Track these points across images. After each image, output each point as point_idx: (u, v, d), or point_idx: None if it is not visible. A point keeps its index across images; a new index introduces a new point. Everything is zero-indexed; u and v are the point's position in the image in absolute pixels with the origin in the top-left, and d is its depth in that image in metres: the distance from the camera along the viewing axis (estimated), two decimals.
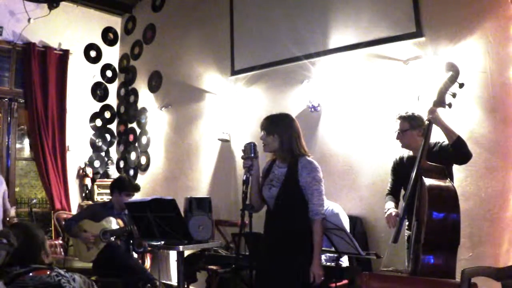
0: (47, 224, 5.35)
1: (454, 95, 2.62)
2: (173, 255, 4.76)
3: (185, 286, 4.13)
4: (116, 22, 6.35)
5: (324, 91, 3.99)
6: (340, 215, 3.34)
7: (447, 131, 2.64)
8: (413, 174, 2.58)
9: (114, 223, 3.82)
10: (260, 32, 4.61)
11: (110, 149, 6.15)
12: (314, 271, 2.38)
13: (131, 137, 5.98)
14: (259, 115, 4.14)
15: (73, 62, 5.77)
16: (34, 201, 5.38)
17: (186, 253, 3.89)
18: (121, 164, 6.05)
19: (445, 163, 2.63)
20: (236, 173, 4.65)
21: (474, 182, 3.15)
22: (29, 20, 5.33)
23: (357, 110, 3.81)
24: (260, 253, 2.60)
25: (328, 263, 3.04)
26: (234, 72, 4.81)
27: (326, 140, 3.99)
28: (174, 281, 5.07)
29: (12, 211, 4.33)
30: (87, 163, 5.80)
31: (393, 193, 2.94)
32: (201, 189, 5.01)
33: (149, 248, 3.88)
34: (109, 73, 6.21)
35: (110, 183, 4.27)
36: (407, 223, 2.78)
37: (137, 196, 4.08)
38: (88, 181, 5.66)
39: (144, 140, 5.80)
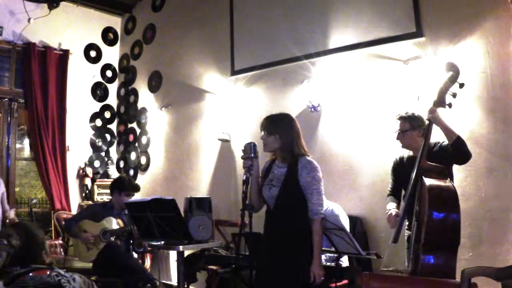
0: (47, 224, 5.35)
1: (454, 95, 2.62)
2: (173, 255, 4.76)
3: (185, 286, 4.12)
4: (116, 22, 6.35)
5: (324, 91, 3.99)
6: (340, 216, 3.34)
7: (447, 131, 2.65)
8: (413, 174, 2.58)
9: (114, 223, 3.82)
10: (260, 32, 4.61)
11: (110, 149, 6.15)
12: (314, 271, 2.38)
13: (131, 137, 5.98)
14: (259, 115, 4.14)
15: (73, 62, 5.76)
16: (34, 201, 5.38)
17: (186, 253, 3.89)
18: (121, 164, 6.05)
19: (445, 163, 2.63)
20: (236, 173, 4.65)
21: (474, 182, 3.15)
22: (29, 20, 5.33)
23: (357, 110, 3.81)
24: (260, 253, 2.60)
25: (328, 263, 3.04)
26: (234, 72, 4.81)
27: (326, 140, 3.99)
28: (174, 281, 5.07)
29: (12, 213, 4.32)
30: (87, 163, 5.80)
31: (394, 193, 2.94)
32: (201, 189, 5.01)
33: (149, 248, 3.88)
34: (109, 73, 6.21)
35: (110, 183, 4.27)
36: (407, 223, 2.78)
37: (137, 196, 4.08)
38: (88, 181, 5.66)
39: (144, 140, 5.80)
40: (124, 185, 3.89)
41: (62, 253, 4.84)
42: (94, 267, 3.75)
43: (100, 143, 6.04)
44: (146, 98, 5.85)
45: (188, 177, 5.22)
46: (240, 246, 2.93)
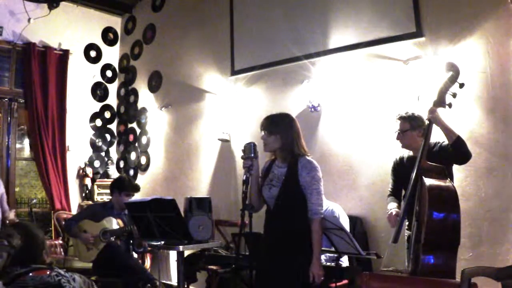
0: (47, 224, 5.35)
1: (454, 95, 2.62)
2: (173, 255, 4.76)
3: (185, 286, 4.12)
4: (116, 22, 6.35)
5: (324, 91, 3.99)
6: (340, 216, 3.34)
7: (447, 131, 2.64)
8: (413, 174, 2.58)
9: (114, 223, 3.82)
10: (260, 32, 4.61)
11: (110, 149, 6.15)
12: (313, 271, 2.38)
13: (131, 137, 5.98)
14: (259, 115, 4.14)
15: (73, 62, 5.76)
16: (34, 201, 5.39)
17: (186, 253, 3.89)
18: (121, 164, 6.05)
19: (445, 163, 2.63)
20: (236, 173, 4.65)
21: (474, 182, 3.15)
22: (29, 20, 5.33)
23: (357, 110, 3.81)
24: (260, 253, 2.60)
25: (328, 263, 3.04)
26: (234, 72, 4.81)
27: (326, 140, 3.99)
28: (174, 281, 5.07)
29: (12, 214, 4.32)
30: (87, 163, 5.80)
31: (395, 193, 2.94)
32: (201, 189, 5.01)
33: (149, 248, 3.88)
34: (109, 73, 6.21)
35: (110, 183, 4.27)
36: (407, 223, 2.78)
37: (137, 196, 4.08)
38: (88, 181, 5.66)
39: (144, 140, 5.80)
40: (124, 185, 3.89)
41: (62, 253, 4.84)
42: (94, 267, 3.75)
43: (100, 143, 6.04)
44: (146, 98, 5.85)
45: (188, 177, 5.22)
46: (240, 246, 2.93)
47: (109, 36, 6.26)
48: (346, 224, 3.34)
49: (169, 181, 5.45)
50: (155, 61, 5.81)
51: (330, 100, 3.98)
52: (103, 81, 6.14)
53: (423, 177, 2.50)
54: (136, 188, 4.03)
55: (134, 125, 5.98)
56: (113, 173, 6.06)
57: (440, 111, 2.65)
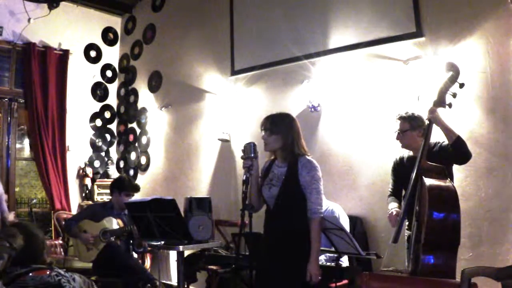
0: (47, 224, 5.35)
1: (454, 95, 2.62)
2: (173, 255, 4.76)
3: (185, 286, 4.12)
4: (116, 22, 6.35)
5: (324, 91, 3.99)
6: (340, 216, 3.34)
7: (447, 131, 2.64)
8: (413, 174, 2.58)
9: (114, 223, 3.82)
10: (260, 32, 4.61)
11: (110, 149, 6.15)
12: (310, 270, 2.37)
13: (131, 137, 5.98)
14: (259, 115, 4.14)
15: (73, 62, 5.76)
16: (34, 201, 5.39)
17: (186, 253, 3.89)
18: (121, 164, 6.05)
19: (445, 163, 2.63)
20: (236, 173, 4.65)
21: (474, 182, 3.15)
22: (29, 20, 5.33)
23: (357, 110, 3.81)
24: (260, 253, 2.60)
25: (328, 263, 3.04)
26: (234, 72, 4.81)
27: (326, 140, 3.99)
28: (174, 281, 5.07)
29: (11, 216, 4.32)
30: (87, 163, 5.79)
31: (395, 193, 2.94)
32: (201, 189, 5.01)
33: (149, 248, 3.88)
34: (109, 73, 6.21)
35: (110, 183, 4.27)
36: (407, 223, 2.78)
37: (137, 196, 4.08)
38: (88, 181, 5.65)
39: (144, 140, 5.80)
40: (124, 185, 3.89)
41: (62, 253, 4.84)
42: (94, 267, 3.75)
43: (100, 143, 6.03)
44: (146, 98, 5.85)
45: (188, 177, 5.22)
46: (240, 246, 2.93)
47: (109, 36, 6.26)
48: (346, 224, 3.34)
49: (169, 181, 5.45)
50: (155, 61, 5.81)
51: (330, 100, 3.98)
52: (103, 81, 6.14)
53: (423, 177, 2.50)
54: (136, 188, 4.03)
55: (134, 125, 5.98)
56: (113, 173, 6.06)
57: (440, 111, 2.65)
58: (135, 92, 6.01)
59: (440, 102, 2.62)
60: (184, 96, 5.34)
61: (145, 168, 5.75)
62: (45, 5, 5.34)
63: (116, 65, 6.30)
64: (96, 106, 6.07)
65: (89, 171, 5.68)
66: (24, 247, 1.92)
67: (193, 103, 5.22)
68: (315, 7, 4.17)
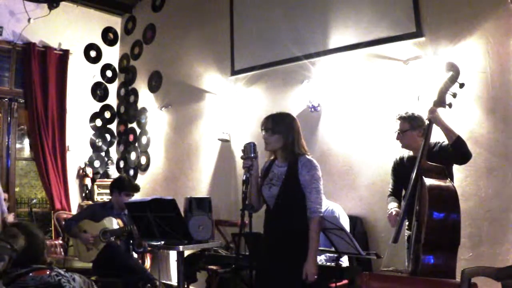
0: (47, 224, 5.35)
1: (454, 95, 2.62)
2: (173, 255, 4.76)
3: (185, 286, 4.12)
4: (116, 22, 6.35)
5: (324, 91, 3.99)
6: (340, 216, 3.34)
7: (447, 131, 2.64)
8: (413, 174, 2.58)
9: (115, 223, 3.82)
10: (260, 32, 4.61)
11: (110, 149, 6.15)
12: (307, 269, 2.36)
13: (131, 137, 5.98)
14: (259, 115, 4.14)
15: (73, 62, 5.76)
16: (34, 201, 5.39)
17: (186, 253, 3.88)
18: (121, 164, 6.05)
19: (445, 163, 2.62)
20: (236, 173, 4.65)
21: (474, 182, 3.15)
22: (29, 20, 5.33)
23: (357, 110, 3.81)
24: (260, 253, 2.60)
25: (328, 263, 3.04)
26: (234, 72, 4.81)
27: (326, 140, 3.99)
28: (174, 281, 5.07)
29: (11, 217, 4.32)
30: (87, 163, 5.79)
31: (395, 193, 2.94)
32: (201, 189, 5.01)
33: (149, 248, 3.88)
34: (109, 73, 6.21)
35: (110, 183, 4.27)
36: (407, 223, 2.78)
37: (137, 196, 4.08)
38: (88, 181, 5.65)
39: (144, 140, 5.80)
40: (124, 185, 3.89)
41: (62, 253, 4.84)
42: (94, 267, 3.75)
43: (100, 143, 6.03)
44: (146, 98, 5.85)
45: (188, 177, 5.22)
46: (240, 246, 2.93)
47: (109, 36, 6.26)
48: (346, 224, 3.33)
49: (169, 181, 5.45)
50: (155, 61, 5.81)
51: (330, 100, 3.98)
52: (103, 81, 6.14)
53: (423, 177, 2.50)
54: (136, 188, 4.03)
55: (134, 125, 5.98)
56: (113, 173, 6.06)
57: (440, 111, 2.64)
58: (135, 92, 6.01)
59: (440, 102, 2.62)
60: (184, 96, 5.34)
61: (145, 168, 5.75)
62: (45, 5, 5.34)
63: (116, 65, 6.30)
64: (96, 106, 6.07)
65: (89, 171, 5.68)
66: (26, 247, 1.92)
67: (193, 103, 5.22)
68: (315, 7, 4.17)
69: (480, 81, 3.16)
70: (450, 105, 2.62)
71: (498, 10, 3.13)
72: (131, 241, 3.79)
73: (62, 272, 1.95)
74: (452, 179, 2.64)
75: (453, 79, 2.59)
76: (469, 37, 3.23)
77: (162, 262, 5.09)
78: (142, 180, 5.68)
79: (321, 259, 3.17)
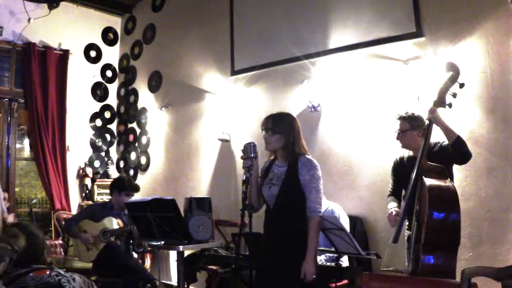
0: (47, 224, 5.35)
1: (454, 95, 2.62)
2: (173, 255, 4.76)
3: (185, 286, 4.12)
4: (116, 22, 6.35)
5: (324, 91, 3.99)
6: (340, 216, 3.34)
7: (447, 131, 2.64)
8: (413, 174, 2.58)
9: (115, 223, 3.82)
10: (260, 32, 4.61)
11: (110, 149, 6.15)
12: (305, 268, 2.36)
13: (131, 137, 5.98)
14: (259, 115, 4.14)
15: (73, 62, 5.76)
16: (34, 201, 5.39)
17: (186, 253, 3.88)
18: (121, 164, 6.05)
19: (445, 163, 2.62)
20: (236, 173, 4.65)
21: (474, 182, 3.15)
22: (29, 20, 5.33)
23: (357, 110, 3.81)
24: (260, 253, 2.60)
25: (328, 263, 3.04)
26: (234, 72, 4.81)
27: (326, 140, 3.99)
28: (174, 281, 5.07)
29: (10, 218, 4.32)
30: (87, 163, 5.79)
31: (395, 193, 2.94)
32: (201, 189, 5.01)
33: (149, 248, 3.88)
34: (109, 73, 6.21)
35: (110, 183, 4.27)
36: (407, 223, 2.78)
37: (137, 196, 4.08)
38: (88, 181, 5.65)
39: (144, 140, 5.80)
40: (123, 185, 3.89)
41: (62, 253, 4.84)
42: (94, 267, 3.75)
43: (100, 143, 6.03)
44: (146, 98, 5.85)
45: (188, 177, 5.22)
46: (240, 246, 2.93)
47: (109, 36, 6.26)
48: (346, 224, 3.33)
49: (169, 181, 5.45)
50: (155, 61, 5.81)
51: (330, 100, 3.98)
52: (103, 81, 6.14)
53: (423, 177, 2.50)
54: (136, 188, 4.03)
55: (134, 125, 5.98)
56: (113, 173, 6.06)
57: (440, 111, 2.64)
58: (135, 92, 6.01)
59: (440, 102, 2.62)
60: (184, 96, 5.34)
61: (145, 168, 5.75)
62: (45, 5, 5.34)
63: (116, 65, 6.30)
64: (96, 106, 6.07)
65: (89, 171, 5.68)
66: (26, 247, 1.92)
67: (193, 103, 5.22)
68: (315, 7, 4.17)
69: (480, 81, 3.16)
70: (450, 105, 2.62)
71: (498, 10, 3.13)
72: (131, 241, 3.79)
73: (62, 272, 1.95)
74: (452, 179, 2.64)
75: (453, 79, 2.59)
76: (469, 37, 3.23)
77: (162, 262, 5.09)
78: (142, 180, 5.68)
79: (321, 259, 3.17)
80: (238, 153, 4.45)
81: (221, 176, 4.86)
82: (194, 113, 5.21)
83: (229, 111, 4.74)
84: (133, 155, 5.90)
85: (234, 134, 4.73)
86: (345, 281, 2.95)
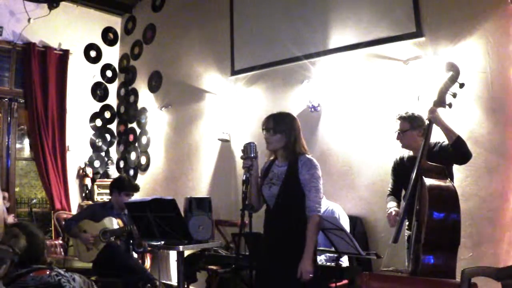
0: (47, 224, 5.35)
1: (454, 95, 2.62)
2: (173, 255, 4.76)
3: (185, 286, 4.12)
4: (116, 22, 6.35)
5: (324, 91, 3.99)
6: (340, 216, 3.34)
7: (447, 131, 2.64)
8: (414, 174, 2.58)
9: (115, 223, 3.82)
10: (260, 32, 4.61)
11: (110, 149, 6.15)
12: (301, 267, 2.35)
13: (131, 137, 5.98)
14: (259, 115, 4.15)
15: (73, 62, 5.76)
16: (34, 201, 5.40)
17: (186, 253, 3.88)
18: (121, 164, 6.05)
19: (445, 163, 2.63)
20: (236, 173, 4.65)
21: (474, 182, 3.14)
22: (29, 20, 5.33)
23: (357, 110, 3.81)
24: (260, 253, 2.59)
25: (328, 263, 3.04)
26: (234, 72, 4.81)
27: (326, 140, 3.99)
28: (174, 281, 5.07)
29: (10, 218, 4.32)
30: (87, 163, 5.80)
31: (395, 193, 2.94)
32: (201, 189, 5.01)
33: (149, 248, 3.88)
34: (109, 73, 6.21)
35: (110, 183, 4.27)
36: (407, 223, 2.78)
37: (137, 196, 4.08)
38: (88, 181, 5.66)
39: (144, 140, 5.80)
40: (123, 185, 3.89)
41: (62, 253, 4.84)
42: (94, 267, 3.75)
43: (100, 143, 6.03)
44: (146, 98, 5.85)
45: (188, 177, 5.22)
46: (240, 246, 2.93)
47: (109, 36, 6.26)
48: (346, 224, 3.34)
49: (169, 181, 5.45)
50: (155, 61, 5.81)
51: (330, 100, 3.98)
52: (103, 81, 6.14)
53: (423, 177, 2.50)
54: (136, 188, 4.03)
55: (134, 125, 5.98)
56: (113, 173, 6.06)
57: (440, 111, 2.65)
58: (135, 92, 6.01)
59: (440, 102, 2.62)
60: (184, 96, 5.34)
61: (145, 168, 5.75)
62: (45, 5, 5.34)
63: (116, 65, 6.30)
64: (96, 106, 6.07)
65: (89, 171, 5.68)
66: (27, 247, 1.92)
67: (193, 103, 5.22)
68: (315, 7, 4.17)
69: (480, 81, 3.16)
70: (450, 105, 2.62)
71: (498, 10, 3.13)
72: (131, 241, 3.79)
73: (62, 272, 1.95)
74: (452, 179, 2.64)
75: (453, 79, 2.59)
76: (469, 37, 3.23)
77: (162, 262, 5.09)
78: (142, 180, 5.68)
79: (321, 259, 3.17)
80: (238, 153, 4.44)
81: (221, 176, 4.86)
82: (194, 113, 5.21)
83: (229, 111, 4.74)
84: (133, 155, 5.90)
85: (234, 134, 4.73)
86: (345, 281, 2.95)
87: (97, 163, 5.92)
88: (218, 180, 4.89)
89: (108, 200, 4.51)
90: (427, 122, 2.68)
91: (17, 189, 5.49)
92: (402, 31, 3.55)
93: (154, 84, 5.77)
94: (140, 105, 5.92)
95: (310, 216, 2.42)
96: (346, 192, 3.81)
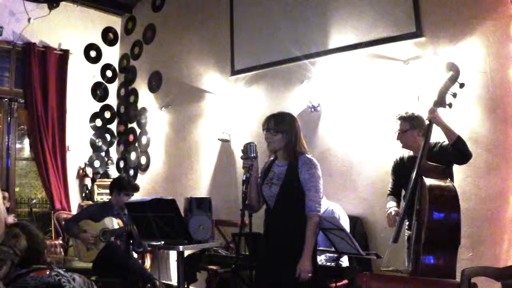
0: (47, 224, 5.35)
1: (454, 95, 2.62)
2: (173, 255, 4.76)
3: (185, 286, 4.12)
4: (116, 22, 6.35)
5: (324, 91, 3.99)
6: (340, 216, 3.34)
7: (447, 131, 2.64)
8: (414, 174, 2.58)
9: (115, 223, 3.82)
10: (260, 32, 4.61)
11: (110, 149, 6.15)
12: (300, 267, 2.35)
13: (131, 137, 5.98)
14: (259, 115, 4.15)
15: (73, 62, 5.76)
16: (34, 201, 5.39)
17: (186, 253, 3.88)
18: (121, 164, 6.05)
19: (446, 163, 2.63)
20: (236, 173, 4.65)
21: (474, 182, 3.14)
22: (29, 20, 5.33)
23: (357, 110, 3.81)
24: (260, 253, 2.59)
25: (328, 263, 3.04)
26: (234, 72, 4.81)
27: (326, 140, 3.99)
28: (174, 281, 5.07)
29: (10, 219, 4.32)
30: (87, 163, 5.80)
31: (395, 193, 2.94)
32: (201, 189, 5.01)
33: (149, 248, 3.88)
34: (109, 73, 6.21)
35: (110, 183, 4.27)
36: (407, 223, 2.78)
37: (137, 196, 4.08)
38: (88, 181, 5.66)
39: (144, 140, 5.80)
40: (123, 185, 3.90)
41: (62, 253, 4.84)
42: (94, 267, 3.75)
43: (100, 143, 6.03)
44: (146, 98, 5.85)
45: (188, 177, 5.22)
46: (240, 246, 2.93)
47: (109, 36, 6.25)
48: (346, 224, 3.33)
49: (169, 181, 5.45)
50: (155, 61, 5.81)
51: (330, 100, 3.98)
52: (103, 81, 6.14)
53: (423, 177, 2.50)
54: (136, 188, 4.03)
55: (134, 125, 5.98)
56: (113, 173, 6.06)
57: (440, 111, 2.65)
58: (135, 92, 6.01)
59: (440, 102, 2.62)
60: (184, 96, 5.34)
61: (145, 168, 5.75)
62: (45, 5, 5.35)
63: (116, 65, 6.30)
64: (96, 106, 6.07)
65: (89, 171, 5.68)
66: (27, 247, 1.92)
67: (193, 103, 5.22)
68: (315, 7, 4.17)
69: (480, 81, 3.16)
70: (450, 105, 2.62)
71: (498, 10, 3.13)
72: (131, 241, 3.79)
73: (62, 272, 1.95)
74: (452, 179, 2.64)
75: (453, 79, 2.59)
76: (469, 37, 3.23)
77: (162, 262, 5.09)
78: (142, 180, 5.68)
79: (321, 259, 3.17)
80: (238, 153, 4.45)
81: (221, 176, 4.86)
82: (194, 113, 5.21)
83: (229, 111, 4.74)
84: (133, 155, 5.90)
85: (234, 134, 4.73)
86: (345, 281, 2.95)
87: (97, 163, 5.92)
88: (218, 180, 4.89)
89: (108, 200, 4.50)
90: (427, 122, 2.68)
91: (17, 189, 5.49)
92: (402, 31, 3.55)
93: (154, 84, 5.77)
94: (140, 105, 5.92)
95: (309, 215, 2.42)
96: (346, 192, 3.81)
